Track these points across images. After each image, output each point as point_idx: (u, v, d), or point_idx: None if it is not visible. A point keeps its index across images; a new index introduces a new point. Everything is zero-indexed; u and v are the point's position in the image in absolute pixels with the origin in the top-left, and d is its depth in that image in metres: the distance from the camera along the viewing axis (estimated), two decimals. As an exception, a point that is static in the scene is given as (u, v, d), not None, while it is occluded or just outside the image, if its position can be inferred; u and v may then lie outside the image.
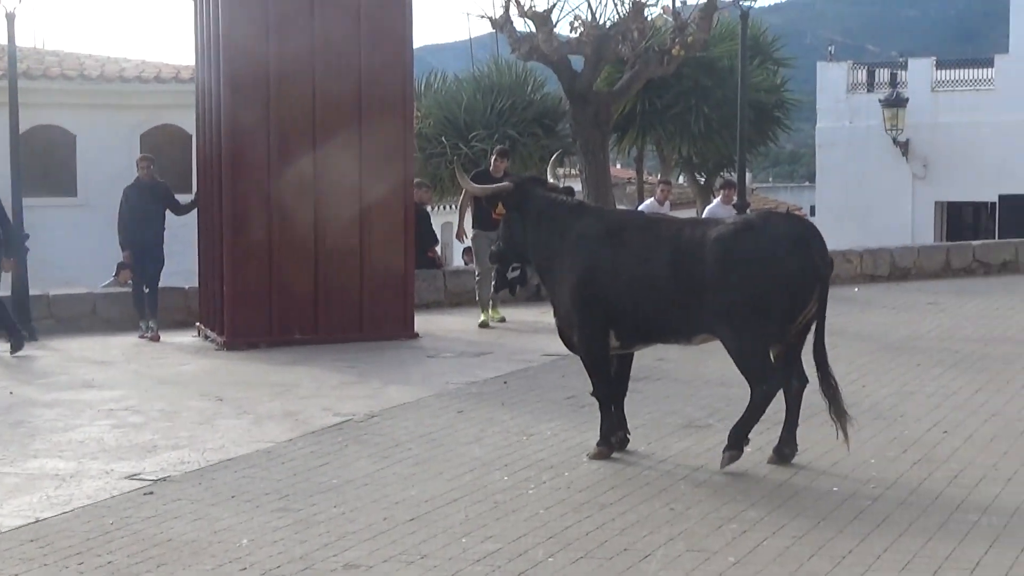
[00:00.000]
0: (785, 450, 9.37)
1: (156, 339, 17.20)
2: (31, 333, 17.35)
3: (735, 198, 21.57)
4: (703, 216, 21.33)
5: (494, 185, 10.95)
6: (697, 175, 35.73)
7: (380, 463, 9.78)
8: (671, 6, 23.74)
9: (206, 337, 17.11)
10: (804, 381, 9.38)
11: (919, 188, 36.27)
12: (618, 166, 41.78)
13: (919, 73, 36.99)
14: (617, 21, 23.63)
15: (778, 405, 9.33)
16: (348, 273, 16.56)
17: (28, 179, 21.03)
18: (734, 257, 9.07)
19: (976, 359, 13.75)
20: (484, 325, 17.52)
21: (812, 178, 46.19)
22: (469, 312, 18.51)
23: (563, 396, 12.18)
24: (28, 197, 19.47)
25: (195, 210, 18.00)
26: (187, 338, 17.40)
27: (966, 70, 37.81)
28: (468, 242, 19.43)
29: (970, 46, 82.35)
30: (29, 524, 8.32)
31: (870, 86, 38.64)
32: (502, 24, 23.68)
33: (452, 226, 23.66)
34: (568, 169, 31.78)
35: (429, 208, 23.08)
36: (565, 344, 10.19)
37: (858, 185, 36.43)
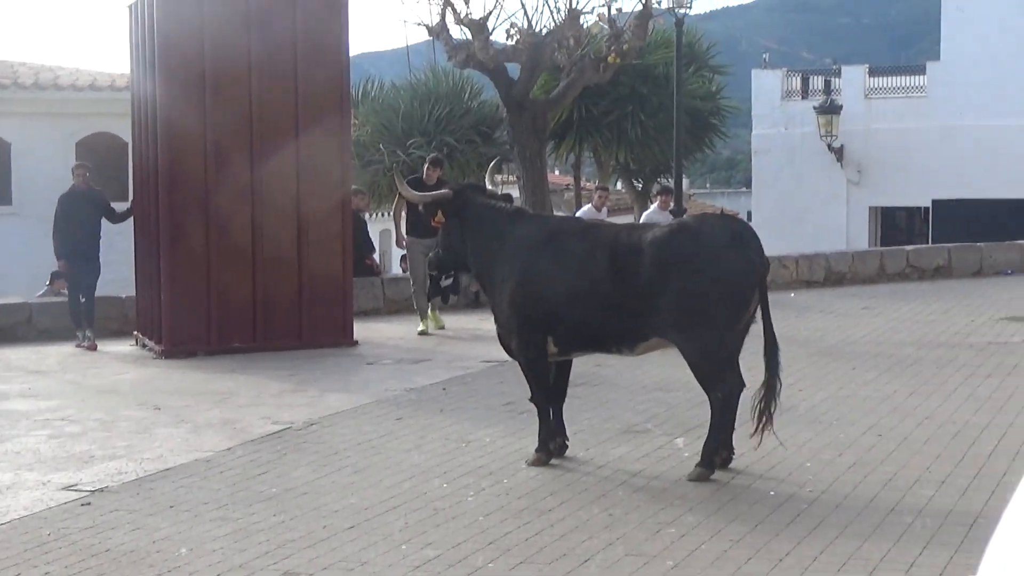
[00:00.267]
0: (723, 453, 9.43)
1: (93, 348, 17.10)
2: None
3: (672, 204, 21.71)
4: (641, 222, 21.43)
5: (434, 192, 10.96)
6: (634, 181, 35.90)
7: (319, 471, 9.77)
8: (606, 14, 23.83)
9: (144, 346, 17.02)
10: (741, 385, 9.44)
11: (854, 193, 36.60)
12: (556, 173, 41.92)
13: (852, 80, 37.38)
14: (553, 29, 23.69)
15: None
16: (287, 281, 16.53)
17: (-38, 188, 20.86)
18: (671, 259, 9.13)
19: (910, 363, 13.89)
20: (423, 333, 17.51)
21: (749, 184, 46.48)
22: (408, 319, 18.51)
23: (502, 403, 12.22)
24: (-38, 206, 19.32)
25: (131, 218, 17.90)
26: (124, 347, 17.30)
27: (899, 77, 38.25)
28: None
29: (902, 54, 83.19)
30: (-35, 536, 8.26)
31: (804, 93, 38.98)
32: (438, 32, 23.70)
33: (390, 233, 23.67)
34: (506, 176, 31.86)
35: (367, 215, 23.08)
36: (505, 350, 10.23)
37: (794, 191, 36.72)
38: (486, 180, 10.94)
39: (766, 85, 38.77)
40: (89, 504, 8.99)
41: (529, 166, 23.88)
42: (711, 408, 9.28)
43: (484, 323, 17.60)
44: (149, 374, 15.10)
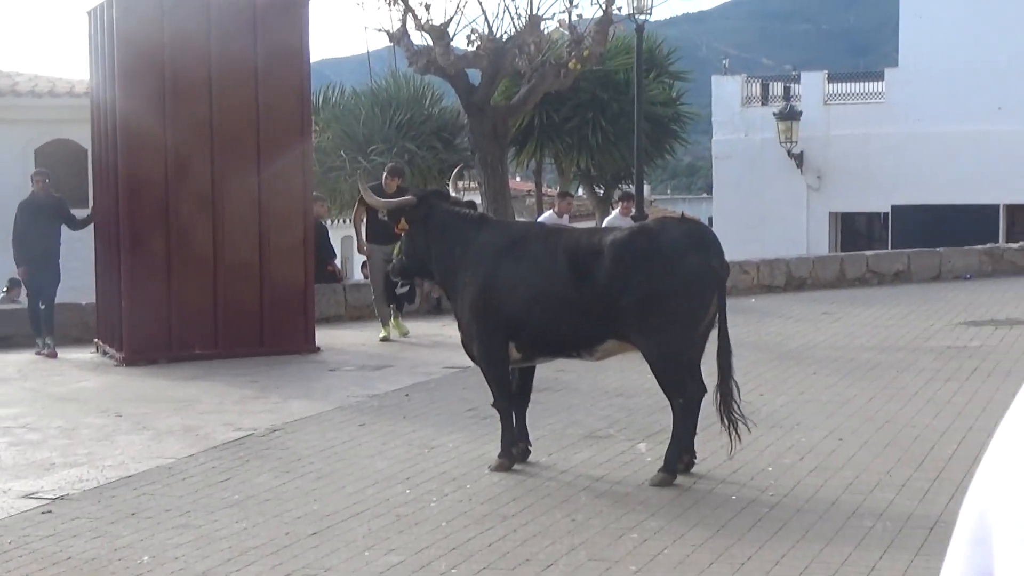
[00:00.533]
0: (684, 458, 9.45)
1: (53, 356, 17.02)
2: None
3: (633, 210, 21.78)
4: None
5: (398, 199, 10.95)
6: (595, 187, 35.99)
7: (282, 478, 9.76)
8: (567, 20, 23.90)
9: (104, 353, 16.94)
10: (702, 390, 9.46)
11: (813, 199, 36.76)
12: (517, 179, 41.97)
13: (812, 86, 37.55)
14: (514, 35, 23.74)
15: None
16: (248, 288, 16.48)
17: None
18: (631, 261, 9.16)
19: (870, 367, 13.96)
20: (385, 339, 17.49)
21: (709, 190, 46.64)
22: (370, 326, 18.49)
23: (464, 408, 12.22)
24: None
25: (91, 225, 17.82)
26: (85, 354, 17.22)
27: (857, 83, 38.45)
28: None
29: (861, 60, 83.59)
30: (-75, 544, 8.22)
31: (764, 99, 39.13)
32: (399, 38, 23.72)
33: (352, 240, 23.62)
34: (468, 182, 31.85)
35: (327, 222, 23.05)
36: (468, 356, 10.24)
37: (754, 197, 36.84)
38: (449, 187, 10.95)
39: (726, 91, 38.90)
40: (50, 512, 8.95)
41: (490, 172, 23.92)
42: (673, 414, 9.32)
43: (446, 329, 17.61)
44: (110, 381, 15.04)
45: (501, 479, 9.52)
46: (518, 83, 26.35)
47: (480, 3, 25.60)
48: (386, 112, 31.36)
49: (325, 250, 20.06)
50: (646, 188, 31.52)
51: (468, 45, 23.94)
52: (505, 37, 23.83)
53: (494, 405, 10.00)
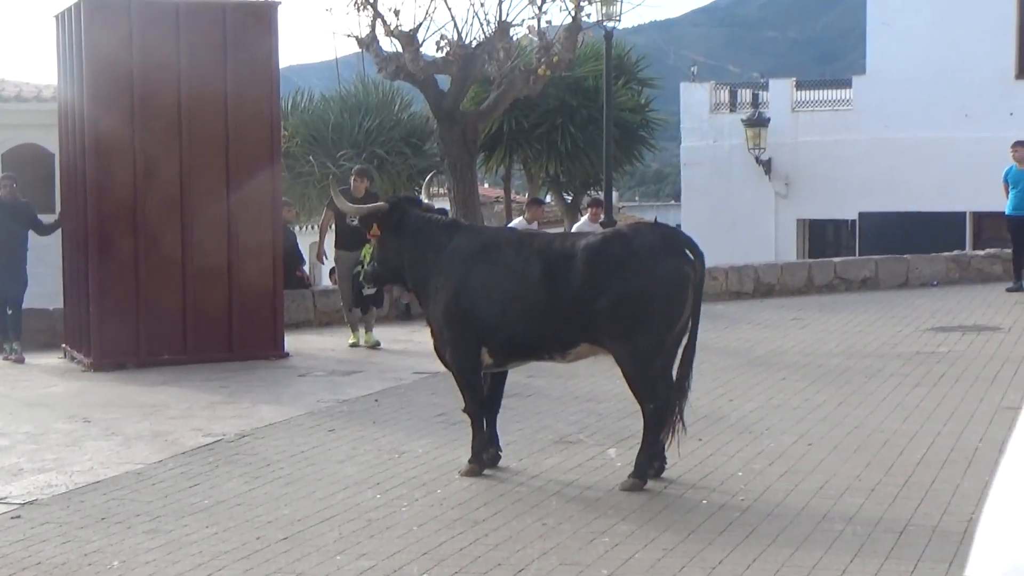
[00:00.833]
0: (655, 464, 9.46)
1: (20, 361, 16.94)
2: None
3: (602, 216, 21.81)
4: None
5: (370, 205, 10.93)
6: (564, 194, 36.02)
7: (252, 483, 9.74)
8: (536, 26, 23.90)
9: (72, 358, 16.87)
10: (674, 395, 9.44)
11: (781, 206, 36.88)
12: (486, 185, 41.99)
13: (779, 93, 37.68)
14: (483, 41, 23.72)
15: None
16: (216, 293, 16.43)
17: None
18: (605, 264, 9.17)
19: (839, 373, 14.01)
20: (355, 345, 17.45)
21: (678, 197, 46.71)
22: (339, 331, 18.46)
23: (434, 414, 12.22)
24: None
25: (59, 230, 17.75)
26: (53, 360, 17.13)
27: (825, 91, 38.59)
28: (328, 262, 19.37)
29: (828, 68, 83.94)
30: None
31: (732, 106, 39.25)
32: (368, 43, 23.68)
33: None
34: (437, 188, 31.79)
35: (296, 227, 23.01)
36: (441, 361, 10.23)
37: (723, 203, 36.93)
38: (422, 193, 10.97)
39: (694, 98, 38.99)
40: (19, 517, 8.92)
41: (460, 178, 23.90)
42: (644, 419, 9.33)
43: (415, 335, 17.62)
44: (78, 387, 14.98)
45: (471, 484, 9.52)
46: (487, 89, 26.37)
47: (449, 9, 25.69)
48: (355, 117, 31.35)
49: (294, 256, 20.03)
50: (615, 195, 31.54)
51: (437, 51, 23.91)
52: (474, 43, 23.82)
53: (465, 411, 9.99)
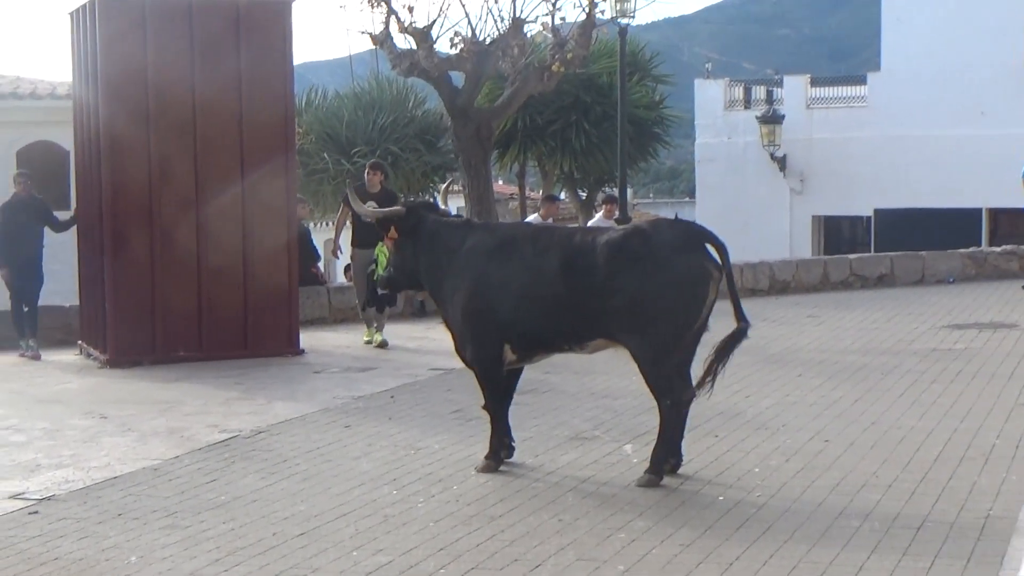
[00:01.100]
0: (671, 460, 9.45)
1: (37, 358, 16.96)
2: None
3: (617, 212, 21.79)
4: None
5: (387, 209, 10.89)
6: (579, 191, 35.98)
7: (268, 479, 9.75)
8: (550, 23, 23.91)
9: (88, 355, 16.89)
10: (691, 393, 9.42)
11: (796, 203, 36.83)
12: (500, 182, 41.95)
13: (794, 90, 37.62)
14: (497, 37, 23.74)
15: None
16: (231, 290, 16.44)
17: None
18: (625, 260, 9.13)
19: (855, 370, 13.98)
20: (370, 342, 17.44)
21: (692, 194, 46.69)
22: (354, 328, 18.47)
23: (450, 410, 12.22)
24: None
25: (74, 227, 17.77)
26: (69, 356, 17.16)
27: (840, 87, 38.52)
28: (343, 257, 19.36)
29: (843, 64, 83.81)
30: (-89, 545, 8.19)
31: (747, 103, 39.19)
32: (382, 40, 23.71)
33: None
34: (451, 186, 31.69)
35: (310, 224, 22.99)
36: (461, 359, 10.16)
37: (737, 200, 36.88)
38: (439, 198, 10.98)
39: (709, 95, 38.95)
40: (37, 512, 8.94)
41: (474, 175, 23.93)
42: (660, 415, 9.30)
43: (430, 331, 17.63)
44: (94, 383, 15.00)
45: (488, 480, 9.52)
46: (501, 86, 26.35)
47: (463, 6, 25.69)
48: (369, 115, 31.31)
49: (308, 253, 20.03)
50: (629, 191, 31.49)
51: (451, 48, 23.93)
52: (488, 40, 23.84)
53: (484, 407, 9.98)
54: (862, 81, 37.57)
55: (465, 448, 10.48)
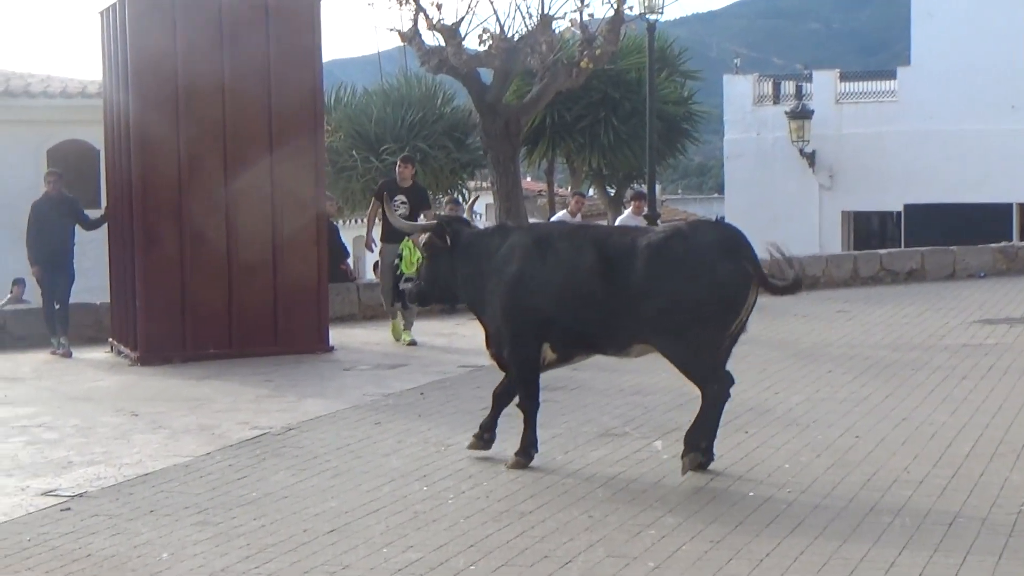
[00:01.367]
0: (701, 459, 9.42)
1: (68, 355, 17.04)
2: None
3: (645, 209, 21.77)
4: (614, 227, 21.44)
5: (422, 223, 10.96)
6: (607, 187, 35.96)
7: (299, 475, 9.77)
8: (578, 19, 23.91)
9: (119, 353, 16.96)
10: (725, 390, 9.40)
11: (826, 198, 36.72)
12: (528, 179, 41.96)
13: (823, 85, 37.47)
14: (525, 34, 23.75)
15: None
16: (261, 287, 16.48)
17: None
18: (666, 263, 9.11)
19: (885, 365, 13.94)
20: (397, 338, 17.44)
21: (721, 190, 46.59)
22: (383, 325, 18.47)
23: (480, 407, 12.15)
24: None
25: (105, 225, 17.84)
26: (100, 354, 17.24)
27: (869, 82, 38.38)
28: (375, 252, 19.38)
29: (872, 59, 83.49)
30: (-55, 542, 8.24)
31: (776, 98, 39.06)
32: (411, 37, 23.74)
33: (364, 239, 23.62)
34: (479, 182, 31.83)
35: (339, 221, 23.02)
36: (495, 360, 10.18)
37: (766, 196, 36.77)
38: (466, 210, 11.11)
39: (738, 90, 38.86)
40: (69, 509, 8.98)
41: (503, 171, 23.94)
42: (703, 399, 9.22)
43: (460, 328, 17.65)
44: (125, 381, 15.06)
45: (518, 477, 9.52)
46: (530, 82, 26.37)
47: (492, 2, 25.60)
48: (398, 112, 31.36)
49: (337, 249, 20.06)
50: (658, 188, 31.45)
51: (480, 44, 23.97)
52: (517, 36, 23.85)
53: (519, 405, 9.96)
54: (892, 76, 37.44)
55: (495, 445, 10.44)
